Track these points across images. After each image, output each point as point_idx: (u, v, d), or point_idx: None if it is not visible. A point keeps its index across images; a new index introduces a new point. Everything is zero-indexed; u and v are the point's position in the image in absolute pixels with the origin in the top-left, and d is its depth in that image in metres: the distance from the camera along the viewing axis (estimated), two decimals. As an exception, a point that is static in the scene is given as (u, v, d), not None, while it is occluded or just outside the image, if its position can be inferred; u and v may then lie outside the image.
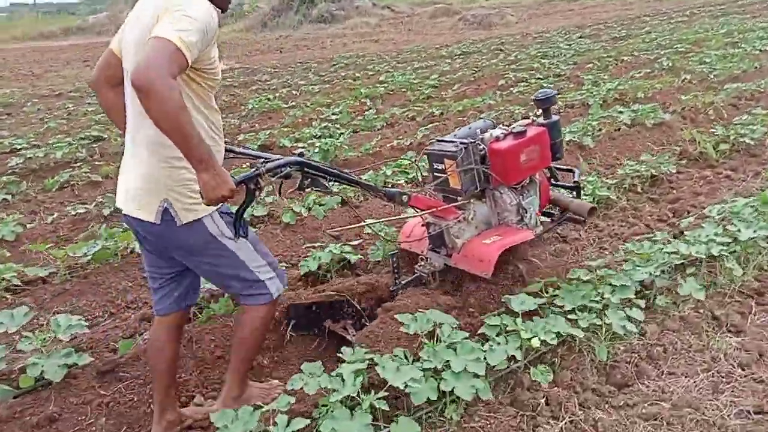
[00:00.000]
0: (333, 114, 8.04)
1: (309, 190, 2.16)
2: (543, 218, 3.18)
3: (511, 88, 8.62)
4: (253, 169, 1.87)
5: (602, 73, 8.97)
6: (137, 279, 3.57)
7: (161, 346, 2.17)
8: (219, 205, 1.86)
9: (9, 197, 5.31)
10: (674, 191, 4.37)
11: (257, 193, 1.89)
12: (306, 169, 2.08)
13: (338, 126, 7.32)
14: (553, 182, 3.29)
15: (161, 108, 1.53)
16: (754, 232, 2.94)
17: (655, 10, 19.61)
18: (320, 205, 4.29)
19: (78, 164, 6.27)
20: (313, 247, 3.61)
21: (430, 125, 6.60)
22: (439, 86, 9.63)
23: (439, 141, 2.82)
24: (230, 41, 22.77)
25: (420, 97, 8.83)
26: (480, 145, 2.72)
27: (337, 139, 6.06)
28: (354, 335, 2.60)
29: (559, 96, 6.88)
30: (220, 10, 1.90)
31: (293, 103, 9.15)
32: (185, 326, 2.41)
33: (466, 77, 10.15)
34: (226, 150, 2.14)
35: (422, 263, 2.83)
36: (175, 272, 2.11)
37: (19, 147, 7.10)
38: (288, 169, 1.99)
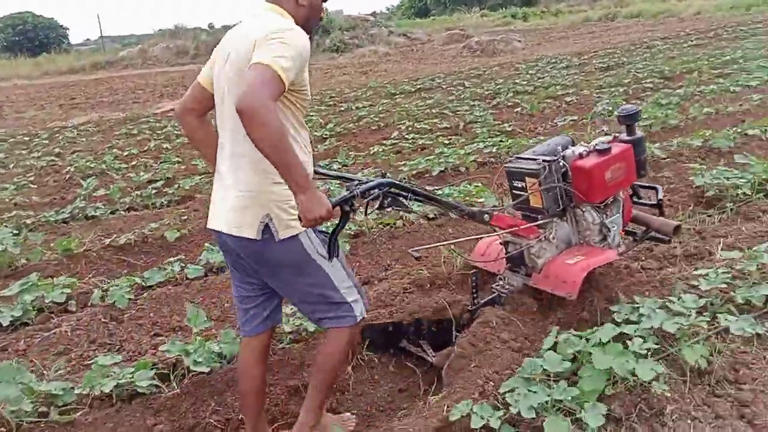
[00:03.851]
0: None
1: (390, 209, 2.23)
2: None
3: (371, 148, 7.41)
4: (348, 192, 1.96)
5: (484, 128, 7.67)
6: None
7: (249, 369, 2.23)
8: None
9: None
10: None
11: (352, 214, 1.99)
12: (395, 189, 2.16)
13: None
14: (635, 200, 3.20)
15: (263, 131, 1.62)
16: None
17: (675, 32, 17.94)
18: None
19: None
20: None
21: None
22: (334, 135, 8.57)
23: (518, 158, 2.77)
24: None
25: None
26: (561, 162, 2.67)
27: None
28: (433, 356, 2.65)
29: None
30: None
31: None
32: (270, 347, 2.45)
33: (368, 124, 9.09)
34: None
35: (500, 282, 2.81)
36: (267, 292, 2.17)
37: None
38: (379, 190, 2.06)
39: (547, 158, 2.64)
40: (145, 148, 8.74)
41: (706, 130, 6.00)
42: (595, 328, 2.48)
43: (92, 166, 7.51)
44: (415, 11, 52.68)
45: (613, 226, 2.84)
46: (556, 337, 2.45)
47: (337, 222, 1.97)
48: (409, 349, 2.82)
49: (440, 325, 2.86)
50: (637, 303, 2.62)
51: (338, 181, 2.43)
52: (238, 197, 1.94)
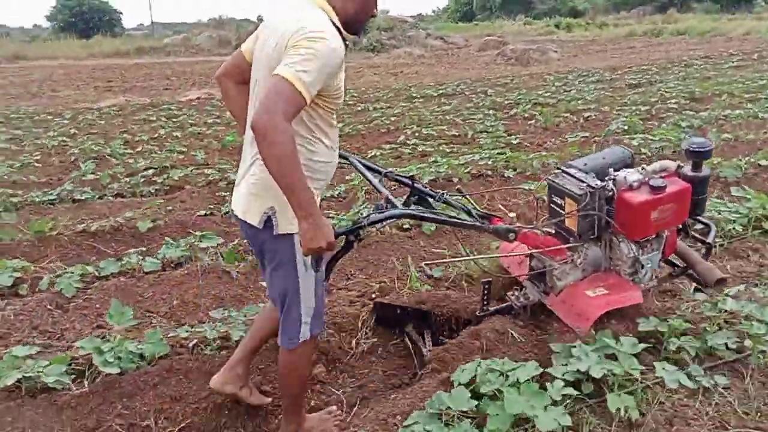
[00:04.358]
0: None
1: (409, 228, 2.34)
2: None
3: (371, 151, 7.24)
4: (357, 224, 1.97)
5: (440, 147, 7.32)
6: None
7: (267, 316, 2.42)
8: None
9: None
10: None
11: (356, 244, 2.01)
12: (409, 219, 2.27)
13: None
14: (684, 236, 2.93)
15: (270, 151, 1.63)
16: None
17: (718, 52, 17.26)
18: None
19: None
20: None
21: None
22: (342, 135, 8.42)
23: (564, 171, 2.56)
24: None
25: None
26: (609, 185, 2.47)
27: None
28: (429, 349, 2.63)
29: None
30: (353, 34, 1.98)
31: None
32: None
33: (378, 127, 8.92)
34: (342, 157, 2.32)
35: (516, 293, 2.71)
36: None
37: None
38: (391, 220, 2.06)
39: (593, 184, 2.42)
40: (156, 135, 8.80)
41: (718, 157, 5.67)
42: (520, 363, 2.32)
43: (97, 149, 7.59)
44: (461, 15, 52.27)
45: (648, 263, 2.62)
46: (476, 370, 2.30)
47: (340, 249, 2.01)
48: (411, 336, 2.87)
49: (451, 321, 2.86)
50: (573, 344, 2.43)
51: (363, 176, 2.43)
52: (249, 184, 1.99)
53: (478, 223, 2.44)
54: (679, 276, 2.96)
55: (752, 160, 5.54)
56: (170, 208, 5.32)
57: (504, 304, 2.70)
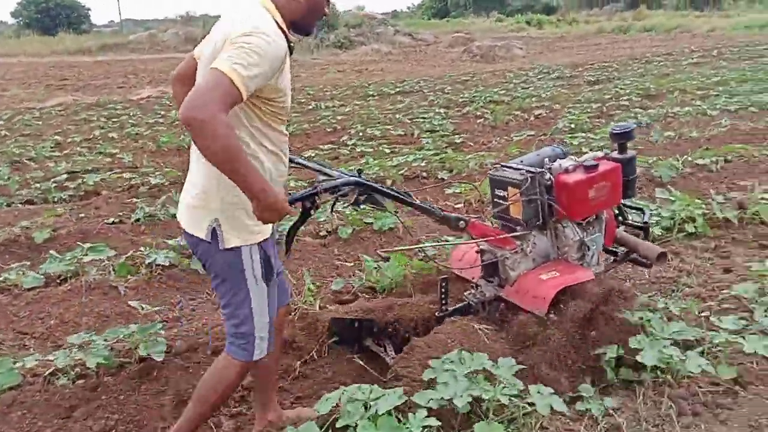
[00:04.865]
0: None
1: (363, 207, 2.23)
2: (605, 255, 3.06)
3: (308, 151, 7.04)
4: (311, 188, 1.99)
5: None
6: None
7: None
8: (265, 239, 1.92)
9: None
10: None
11: (312, 211, 2.01)
12: (361, 189, 2.14)
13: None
14: (621, 220, 3.12)
15: (206, 142, 1.56)
16: None
17: (680, 49, 17.29)
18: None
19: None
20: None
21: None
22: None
23: (503, 166, 2.72)
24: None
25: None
26: (547, 174, 2.60)
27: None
28: (393, 357, 2.55)
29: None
30: (302, 34, 1.98)
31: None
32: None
33: (324, 126, 8.69)
34: (290, 161, 2.18)
35: (472, 291, 2.75)
36: None
37: None
38: (346, 188, 2.07)
39: (532, 170, 2.57)
40: (90, 137, 8.43)
41: (656, 156, 5.53)
42: (384, 392, 2.09)
43: (19, 152, 7.20)
44: (434, 12, 52.15)
45: (593, 245, 2.76)
46: (339, 399, 2.07)
47: (297, 218, 2.00)
48: (371, 348, 2.76)
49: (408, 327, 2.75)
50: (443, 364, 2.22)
51: (314, 172, 2.37)
52: (193, 196, 1.92)
53: (429, 206, 2.47)
54: (624, 261, 3.05)
55: (689, 159, 5.41)
56: (82, 215, 5.01)
57: (462, 304, 2.71)
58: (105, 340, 2.71)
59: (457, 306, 2.69)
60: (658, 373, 2.38)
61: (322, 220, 4.39)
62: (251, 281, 1.92)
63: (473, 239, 2.61)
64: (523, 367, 2.23)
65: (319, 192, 1.97)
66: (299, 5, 1.87)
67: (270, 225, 1.89)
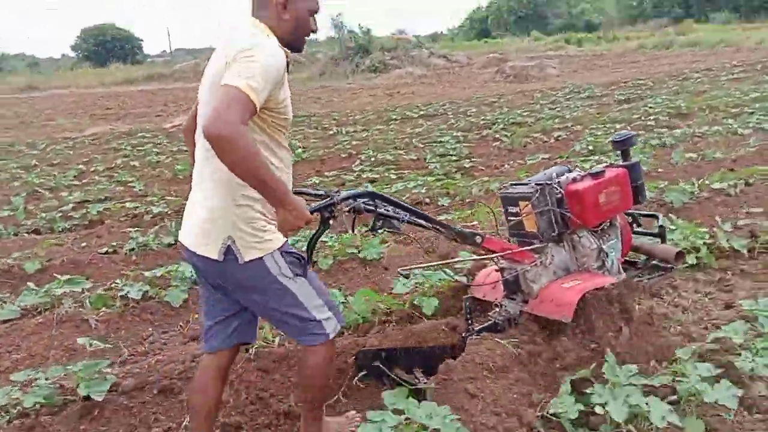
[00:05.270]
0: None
1: (381, 231, 2.28)
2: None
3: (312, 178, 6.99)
4: (328, 198, 2.02)
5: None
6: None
7: (205, 386, 2.12)
8: (282, 243, 1.94)
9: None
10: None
11: (331, 221, 2.04)
12: (377, 201, 2.18)
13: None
14: (636, 228, 3.17)
15: (235, 156, 1.61)
16: None
17: (721, 64, 16.53)
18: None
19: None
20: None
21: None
22: (299, 161, 8.11)
23: (513, 185, 2.82)
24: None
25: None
26: (556, 188, 2.66)
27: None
28: (425, 381, 2.50)
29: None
30: (294, 51, 2.02)
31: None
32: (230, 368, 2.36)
33: (339, 151, 8.62)
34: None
35: (497, 309, 2.76)
36: (236, 309, 2.10)
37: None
38: (359, 201, 2.11)
39: (541, 183, 2.67)
40: (112, 165, 8.66)
41: (667, 180, 5.21)
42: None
43: (39, 182, 7.44)
44: (475, 34, 52.14)
45: (611, 251, 2.79)
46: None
47: (316, 229, 2.06)
48: (401, 378, 2.67)
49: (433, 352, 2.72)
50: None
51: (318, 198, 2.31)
52: (202, 217, 1.93)
53: (445, 224, 2.49)
54: (646, 268, 3.09)
55: (706, 182, 5.06)
56: (84, 244, 5.08)
57: (488, 323, 2.70)
58: (46, 379, 2.66)
59: (484, 325, 2.70)
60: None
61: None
62: (286, 281, 1.95)
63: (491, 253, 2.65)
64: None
65: (337, 201, 2.01)
66: (287, 23, 1.95)
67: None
